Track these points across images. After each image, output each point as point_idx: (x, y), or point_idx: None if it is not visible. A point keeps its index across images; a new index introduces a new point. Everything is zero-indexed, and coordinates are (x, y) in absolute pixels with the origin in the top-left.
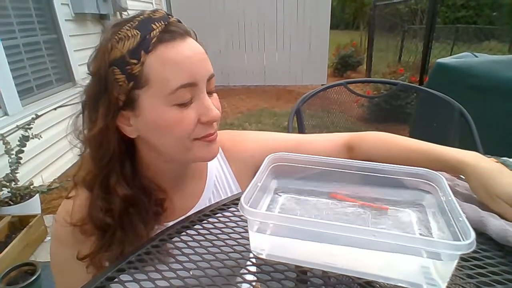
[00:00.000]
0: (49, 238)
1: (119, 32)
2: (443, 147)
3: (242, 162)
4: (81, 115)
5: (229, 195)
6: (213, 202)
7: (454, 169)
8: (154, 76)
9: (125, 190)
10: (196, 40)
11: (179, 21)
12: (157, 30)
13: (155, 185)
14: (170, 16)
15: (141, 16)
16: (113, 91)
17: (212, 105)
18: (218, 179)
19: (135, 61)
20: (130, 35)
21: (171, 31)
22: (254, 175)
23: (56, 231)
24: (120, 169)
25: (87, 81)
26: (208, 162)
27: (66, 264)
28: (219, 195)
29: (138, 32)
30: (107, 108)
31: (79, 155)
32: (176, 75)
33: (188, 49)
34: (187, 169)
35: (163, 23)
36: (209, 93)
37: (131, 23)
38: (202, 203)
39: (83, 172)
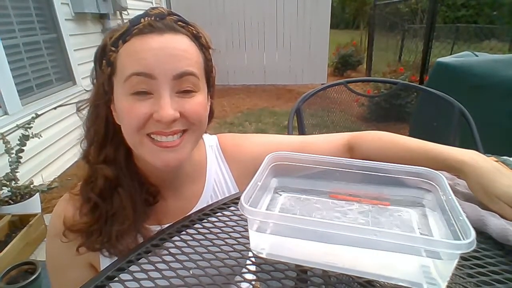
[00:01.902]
0: None
1: (121, 23)
2: (442, 146)
3: (243, 166)
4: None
5: None
6: None
7: (453, 169)
8: (119, 64)
9: (109, 171)
10: (196, 40)
11: (179, 20)
12: (144, 23)
13: (146, 180)
14: (170, 15)
15: (143, 13)
16: (100, 76)
17: (168, 105)
18: (217, 182)
19: (113, 48)
20: (121, 27)
21: (153, 26)
22: None
23: (52, 227)
24: (113, 151)
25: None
26: (208, 164)
27: (61, 261)
28: (218, 198)
29: (128, 24)
30: (97, 90)
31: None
32: (132, 63)
33: (157, 41)
34: (178, 170)
35: (153, 18)
36: (185, 93)
37: (133, 18)
38: (200, 206)
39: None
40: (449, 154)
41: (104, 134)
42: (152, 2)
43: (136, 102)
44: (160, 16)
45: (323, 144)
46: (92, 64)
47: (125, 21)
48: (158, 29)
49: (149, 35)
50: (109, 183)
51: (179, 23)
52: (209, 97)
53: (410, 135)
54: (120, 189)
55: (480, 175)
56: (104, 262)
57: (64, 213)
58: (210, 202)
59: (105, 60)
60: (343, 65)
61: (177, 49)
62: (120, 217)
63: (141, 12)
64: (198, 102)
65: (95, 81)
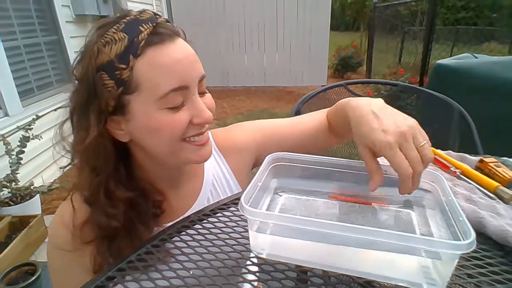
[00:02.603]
0: None
1: (105, 35)
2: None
3: (238, 156)
4: (67, 122)
5: (228, 192)
6: (212, 201)
7: (343, 111)
8: (145, 81)
9: (125, 193)
10: (186, 39)
11: (167, 21)
12: (145, 32)
13: (151, 187)
14: (157, 17)
15: (127, 18)
16: (102, 97)
17: (205, 107)
18: (215, 177)
19: (123, 66)
20: (117, 38)
21: (160, 33)
22: (252, 166)
23: (54, 236)
24: (115, 173)
25: (72, 87)
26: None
27: (64, 269)
28: (218, 194)
29: (126, 35)
30: (98, 114)
31: (65, 167)
32: (166, 79)
33: (178, 51)
34: (182, 170)
35: (150, 24)
36: (201, 94)
37: (117, 25)
38: (200, 203)
39: (82, 187)
40: (344, 102)
41: (112, 163)
42: (152, 4)
43: (174, 114)
44: (153, 21)
45: (308, 122)
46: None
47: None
48: (167, 35)
49: (163, 45)
50: (126, 206)
51: (170, 23)
52: None
53: None
54: (130, 212)
55: (356, 116)
56: None
57: (68, 221)
58: (210, 197)
59: (112, 80)
60: (343, 67)
61: (192, 54)
62: (133, 239)
63: None
64: (212, 99)
65: (77, 107)
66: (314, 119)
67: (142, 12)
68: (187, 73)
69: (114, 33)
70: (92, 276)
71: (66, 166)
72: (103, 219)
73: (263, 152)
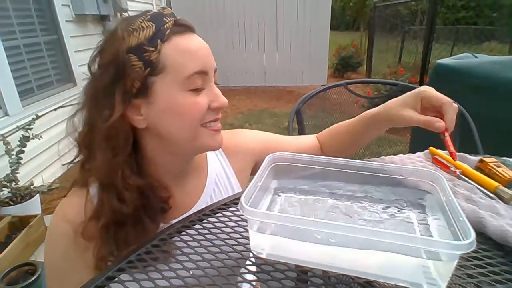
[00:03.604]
0: None
1: (132, 24)
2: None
3: (241, 159)
4: (77, 115)
5: (230, 191)
6: (214, 199)
7: (375, 114)
8: (171, 63)
9: (138, 180)
10: None
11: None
12: (169, 23)
13: (158, 183)
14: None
15: (152, 12)
16: (129, 77)
17: (220, 93)
18: (218, 176)
19: (152, 48)
20: (144, 26)
21: (181, 24)
22: (253, 172)
23: (56, 234)
24: (129, 159)
25: (93, 76)
26: (208, 160)
27: (64, 268)
28: (220, 192)
29: (153, 24)
30: (124, 94)
31: (71, 161)
32: (190, 62)
33: (198, 41)
34: (188, 164)
35: (172, 18)
36: (215, 85)
37: (143, 17)
38: (204, 200)
39: (98, 168)
40: (373, 109)
41: (129, 145)
42: (152, 4)
43: (196, 97)
44: (174, 16)
45: (305, 143)
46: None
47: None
48: (189, 28)
49: (185, 35)
50: (137, 194)
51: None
52: None
53: (411, 137)
54: (137, 203)
55: (388, 103)
56: None
57: (71, 217)
58: (213, 195)
59: (140, 61)
60: (343, 66)
61: (208, 47)
62: (139, 232)
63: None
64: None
65: (100, 91)
66: (307, 143)
67: (163, 8)
68: (207, 60)
69: (141, 22)
70: (92, 274)
71: (73, 160)
72: (116, 203)
73: (261, 160)
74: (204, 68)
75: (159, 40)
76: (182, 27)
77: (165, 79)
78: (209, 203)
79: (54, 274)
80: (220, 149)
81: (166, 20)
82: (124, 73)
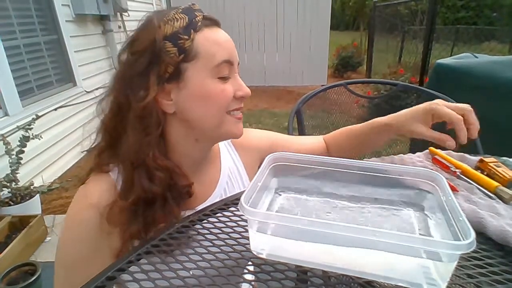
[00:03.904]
0: (49, 238)
1: (166, 15)
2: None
3: (249, 154)
4: (105, 100)
5: (241, 185)
6: (227, 191)
7: (384, 124)
8: (203, 51)
9: (166, 161)
10: None
11: None
12: (199, 17)
13: (179, 169)
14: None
15: (183, 7)
16: (163, 62)
17: (244, 84)
18: (231, 170)
19: (186, 36)
20: (178, 17)
21: (210, 19)
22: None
23: (79, 221)
24: (159, 143)
25: (125, 63)
26: (221, 154)
27: (85, 258)
28: (233, 185)
29: (185, 16)
30: (158, 77)
31: (90, 147)
32: (220, 52)
33: (224, 34)
34: (207, 155)
35: (201, 13)
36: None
37: (176, 10)
38: (218, 192)
39: (125, 150)
40: (384, 118)
41: (160, 126)
42: (152, 4)
43: (224, 84)
44: (202, 11)
45: (312, 144)
46: (93, 65)
47: (125, 21)
48: (217, 23)
49: (213, 28)
50: (166, 174)
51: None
52: None
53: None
54: (168, 181)
55: (398, 114)
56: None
57: (95, 201)
58: (226, 188)
59: (175, 47)
60: (343, 66)
61: (232, 41)
62: (167, 214)
63: (142, 14)
64: None
65: (135, 76)
66: (315, 143)
67: (193, 4)
68: (232, 52)
69: (174, 14)
70: (111, 260)
71: (92, 145)
72: (146, 182)
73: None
74: (231, 58)
75: (192, 30)
76: (211, 21)
77: (196, 65)
78: (223, 195)
79: (77, 264)
80: (231, 145)
81: (196, 14)
82: (159, 58)
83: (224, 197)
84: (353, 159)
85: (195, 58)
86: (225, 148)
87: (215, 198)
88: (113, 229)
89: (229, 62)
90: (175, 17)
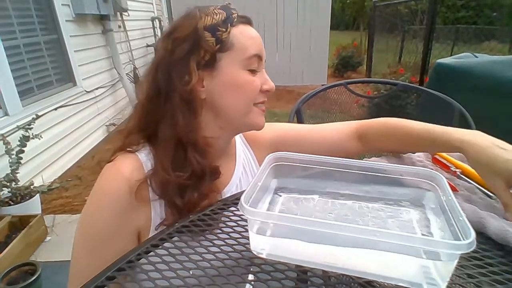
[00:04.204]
0: (49, 238)
1: (206, 9)
2: (446, 128)
3: (262, 148)
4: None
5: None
6: (242, 181)
7: (455, 148)
8: (237, 43)
9: (211, 140)
10: None
11: None
12: (235, 14)
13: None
14: None
15: (221, 5)
16: (202, 50)
17: (269, 79)
18: (245, 161)
19: (223, 29)
20: (217, 12)
21: (244, 16)
22: None
23: (107, 193)
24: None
25: (166, 50)
26: (236, 145)
27: (115, 229)
28: (247, 175)
29: (223, 11)
30: (197, 63)
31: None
32: (252, 46)
33: (255, 31)
34: (228, 144)
35: (236, 11)
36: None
37: (215, 6)
38: (234, 181)
39: (173, 131)
40: (451, 135)
41: (199, 108)
42: (152, 4)
43: (253, 76)
44: (236, 10)
45: (331, 132)
46: (93, 65)
47: (125, 21)
48: (249, 21)
49: (247, 25)
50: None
51: None
52: None
53: None
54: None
55: (479, 151)
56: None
57: (127, 174)
58: (241, 178)
59: (213, 38)
60: (343, 66)
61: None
62: (205, 188)
63: (142, 13)
64: None
65: (177, 61)
66: (337, 130)
67: (228, 3)
68: (262, 48)
69: (214, 9)
70: (135, 241)
71: (119, 126)
72: (199, 158)
73: (278, 149)
74: (261, 53)
75: (229, 24)
76: (245, 19)
77: (230, 56)
78: (238, 185)
79: (103, 237)
80: (244, 139)
81: (232, 11)
82: (199, 45)
83: (239, 187)
84: (352, 158)
85: (230, 49)
86: (239, 142)
87: (231, 187)
88: (138, 206)
89: (259, 56)
90: (215, 11)
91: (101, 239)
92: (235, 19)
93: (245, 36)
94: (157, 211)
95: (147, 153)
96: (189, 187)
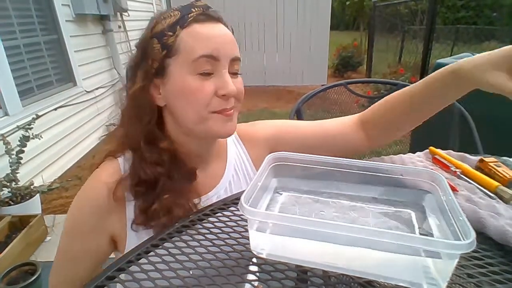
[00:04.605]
0: (49, 238)
1: (165, 13)
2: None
3: (256, 147)
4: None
5: (247, 178)
6: (233, 185)
7: (451, 73)
8: (183, 46)
9: (168, 144)
10: (231, 32)
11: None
12: (195, 13)
13: (180, 155)
14: (210, 8)
15: (186, 4)
16: (150, 58)
17: (230, 81)
18: (237, 162)
19: (171, 33)
20: (172, 14)
21: (206, 14)
22: None
23: (88, 194)
24: (159, 126)
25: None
26: (228, 147)
27: (86, 229)
28: (238, 178)
29: (179, 12)
30: (145, 72)
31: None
32: (200, 46)
33: (216, 29)
34: (209, 148)
35: (201, 9)
36: (233, 74)
37: (176, 7)
38: (223, 185)
39: (125, 137)
40: (443, 69)
41: (153, 116)
42: (152, 4)
43: (203, 81)
44: (206, 8)
45: (332, 125)
46: (93, 65)
47: (125, 21)
48: (212, 18)
49: (206, 23)
50: (170, 155)
51: (216, 12)
52: None
53: (411, 136)
54: (172, 164)
55: (473, 58)
56: (131, 236)
57: (105, 178)
58: (232, 181)
59: (159, 44)
60: (343, 66)
61: (230, 37)
62: (177, 192)
63: (142, 13)
64: (242, 83)
65: (132, 68)
66: (341, 123)
67: (198, 1)
68: (220, 47)
69: (171, 11)
70: (108, 243)
71: (107, 134)
72: (143, 165)
73: (281, 147)
74: (214, 53)
75: (178, 27)
76: (206, 16)
77: (177, 60)
78: (228, 189)
79: (76, 232)
80: (238, 138)
81: (193, 10)
82: (147, 54)
83: (229, 190)
84: (352, 158)
85: (176, 53)
86: (232, 143)
87: (219, 190)
88: (115, 208)
89: (211, 57)
90: (169, 14)
91: (74, 233)
92: (190, 19)
93: (193, 37)
94: (131, 212)
95: (129, 157)
96: (161, 192)
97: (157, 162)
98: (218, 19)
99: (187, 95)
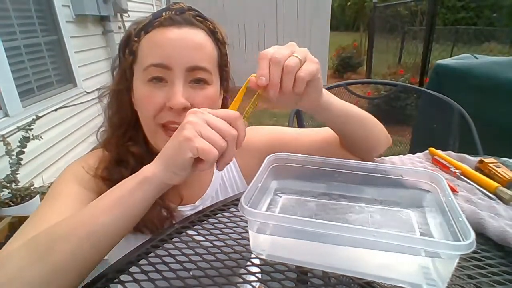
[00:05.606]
0: None
1: (143, 17)
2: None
3: (247, 155)
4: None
5: (235, 188)
6: (220, 194)
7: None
8: (140, 53)
9: (137, 148)
10: (212, 35)
11: (198, 15)
12: (163, 17)
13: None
14: (190, 10)
15: (164, 7)
16: (122, 63)
17: (180, 93)
18: (224, 173)
19: (136, 39)
20: (146, 19)
21: (173, 19)
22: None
23: (69, 170)
24: (135, 133)
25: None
26: None
27: (67, 195)
28: (226, 188)
29: (150, 17)
30: (120, 76)
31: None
32: (152, 54)
33: (176, 34)
34: None
35: (173, 12)
36: (197, 84)
37: (154, 12)
38: (210, 194)
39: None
40: None
41: (129, 119)
42: (152, 4)
43: (152, 90)
44: (180, 11)
45: (329, 134)
46: (93, 66)
47: (125, 22)
48: (177, 22)
49: (168, 28)
50: (139, 161)
51: (198, 18)
52: (221, 90)
53: (412, 137)
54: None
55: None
56: None
57: (92, 162)
58: (219, 190)
59: (128, 49)
60: (343, 67)
61: (193, 41)
62: None
63: (142, 14)
64: (209, 96)
65: (116, 69)
66: (321, 134)
67: (176, 3)
68: (174, 55)
69: (147, 16)
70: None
71: (100, 127)
72: (111, 165)
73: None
74: (165, 61)
75: (142, 32)
76: (171, 21)
77: (136, 67)
78: (214, 198)
79: (56, 199)
80: None
81: (163, 14)
82: (120, 58)
83: (216, 199)
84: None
85: (135, 60)
86: None
87: (205, 200)
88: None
89: (162, 65)
90: (144, 18)
91: (55, 199)
92: (156, 24)
93: (148, 43)
94: None
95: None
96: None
97: (121, 163)
98: (183, 23)
99: (138, 103)
